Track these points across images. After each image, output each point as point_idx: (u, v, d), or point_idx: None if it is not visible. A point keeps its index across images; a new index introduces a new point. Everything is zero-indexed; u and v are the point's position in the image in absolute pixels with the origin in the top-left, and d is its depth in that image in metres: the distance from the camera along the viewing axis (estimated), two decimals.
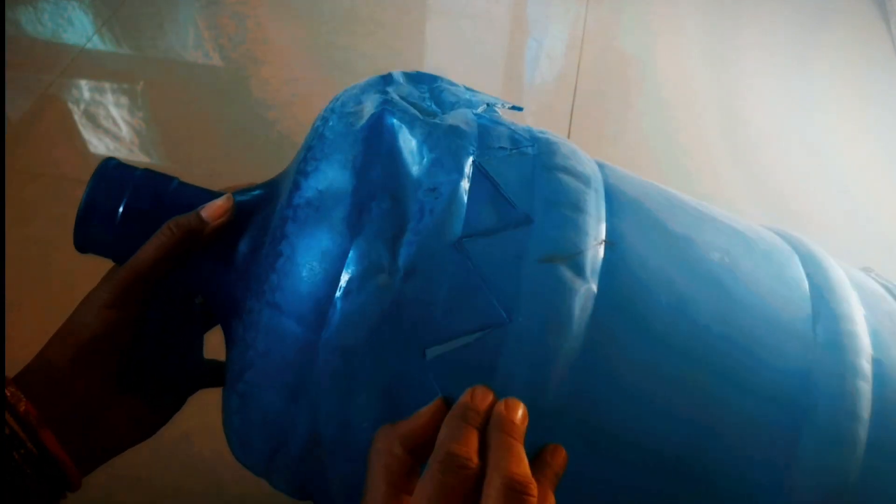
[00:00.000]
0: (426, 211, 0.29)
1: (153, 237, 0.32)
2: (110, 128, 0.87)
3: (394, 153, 0.30)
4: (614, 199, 0.33)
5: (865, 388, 0.32)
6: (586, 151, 0.37)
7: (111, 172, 0.33)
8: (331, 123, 0.32)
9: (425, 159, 0.30)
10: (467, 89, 0.36)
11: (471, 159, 0.31)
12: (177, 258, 0.32)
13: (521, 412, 0.28)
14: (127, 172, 0.33)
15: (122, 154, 0.85)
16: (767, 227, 0.41)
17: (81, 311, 0.32)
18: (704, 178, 0.87)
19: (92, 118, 0.88)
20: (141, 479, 0.56)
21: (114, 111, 0.89)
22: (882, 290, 0.40)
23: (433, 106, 0.34)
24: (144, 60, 0.99)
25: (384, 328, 0.28)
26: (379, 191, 0.29)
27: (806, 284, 0.36)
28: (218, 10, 1.07)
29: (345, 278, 0.28)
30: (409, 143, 0.30)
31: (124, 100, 0.92)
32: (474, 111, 0.34)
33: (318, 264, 0.28)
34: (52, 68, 0.93)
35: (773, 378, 0.32)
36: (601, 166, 0.36)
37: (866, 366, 0.33)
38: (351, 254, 0.28)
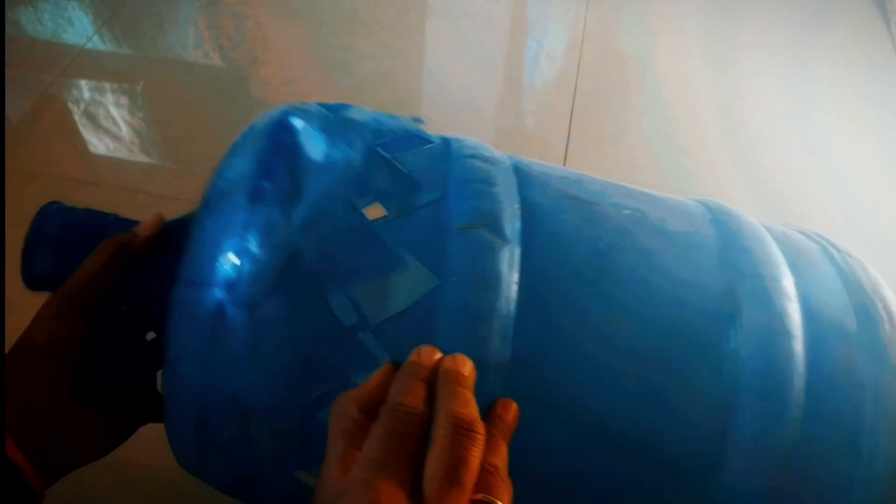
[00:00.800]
0: (322, 182, 0.32)
1: (92, 253, 0.34)
2: (110, 128, 0.87)
3: (294, 143, 0.33)
4: (524, 176, 0.36)
5: (793, 307, 0.33)
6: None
7: (52, 213, 0.36)
8: (244, 134, 0.36)
9: (323, 144, 0.33)
10: (375, 112, 0.40)
11: (365, 141, 0.34)
12: (114, 268, 0.34)
13: (468, 366, 0.29)
14: (66, 211, 0.37)
15: (122, 154, 0.85)
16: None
17: (31, 326, 0.34)
18: (704, 178, 0.88)
19: (92, 118, 0.88)
20: (141, 479, 0.56)
21: (114, 111, 0.89)
22: (796, 234, 0.41)
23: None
24: (144, 60, 0.98)
25: (285, 280, 0.30)
26: (279, 170, 0.32)
27: (715, 230, 0.37)
28: (218, 10, 1.07)
29: (246, 241, 0.30)
30: (308, 133, 0.34)
31: (124, 100, 0.92)
32: (373, 112, 0.37)
33: (223, 235, 0.31)
34: (52, 68, 0.93)
35: (698, 313, 0.33)
36: (510, 157, 0.38)
37: (790, 287, 0.34)
38: (251, 219, 0.31)
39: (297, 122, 0.34)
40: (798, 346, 0.32)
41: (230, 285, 0.30)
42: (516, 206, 0.33)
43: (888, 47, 1.12)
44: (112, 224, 0.37)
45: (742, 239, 0.36)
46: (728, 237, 0.36)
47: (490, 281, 0.31)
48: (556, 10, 1.14)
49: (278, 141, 0.33)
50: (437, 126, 1.02)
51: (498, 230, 0.32)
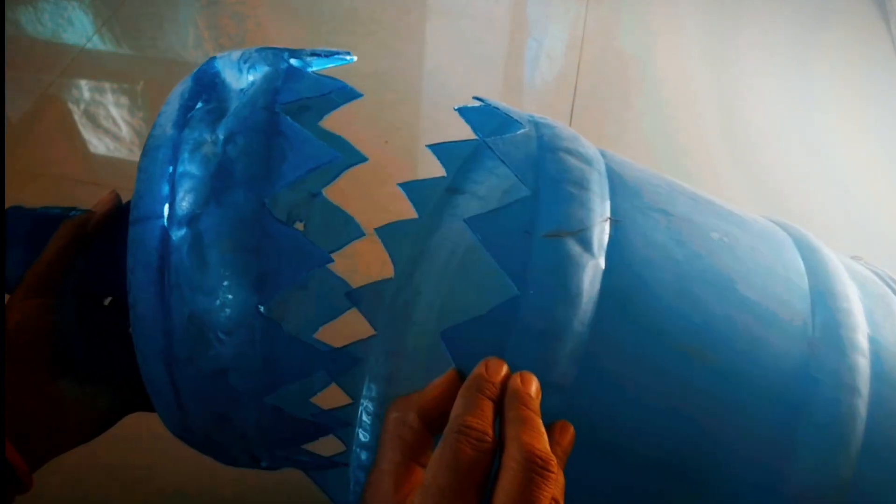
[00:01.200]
0: (244, 99, 0.33)
1: (53, 235, 0.35)
2: (110, 128, 0.87)
3: (216, 74, 0.35)
4: (616, 181, 0.34)
5: (864, 363, 0.32)
6: None
7: (19, 216, 0.37)
8: (173, 90, 0.36)
9: (243, 73, 0.34)
10: None
11: (283, 58, 0.34)
12: (74, 246, 0.35)
13: (535, 386, 0.28)
14: (29, 212, 0.38)
15: (122, 154, 0.85)
16: (761, 215, 0.42)
17: (5, 311, 0.34)
18: (704, 178, 0.87)
19: (92, 118, 0.88)
20: (141, 480, 0.56)
21: (114, 111, 0.89)
22: (872, 275, 0.40)
23: None
24: (144, 60, 0.99)
25: (218, 188, 0.30)
26: (203, 98, 0.33)
27: (802, 265, 0.36)
28: (218, 10, 1.07)
29: (177, 163, 0.31)
30: (230, 69, 0.35)
31: (124, 100, 0.92)
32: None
33: (158, 168, 0.32)
34: (52, 68, 0.93)
35: (774, 354, 0.32)
36: (602, 152, 0.37)
37: (863, 342, 0.33)
38: (179, 142, 0.32)
39: (217, 61, 0.35)
40: (862, 404, 0.32)
41: (168, 209, 0.30)
42: (607, 215, 0.32)
43: (888, 47, 1.12)
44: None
45: (824, 280, 0.35)
46: (811, 277, 0.35)
47: (571, 298, 0.29)
48: (556, 10, 1.14)
49: (200, 76, 0.34)
50: (436, 126, 1.02)
51: (586, 242, 0.30)
